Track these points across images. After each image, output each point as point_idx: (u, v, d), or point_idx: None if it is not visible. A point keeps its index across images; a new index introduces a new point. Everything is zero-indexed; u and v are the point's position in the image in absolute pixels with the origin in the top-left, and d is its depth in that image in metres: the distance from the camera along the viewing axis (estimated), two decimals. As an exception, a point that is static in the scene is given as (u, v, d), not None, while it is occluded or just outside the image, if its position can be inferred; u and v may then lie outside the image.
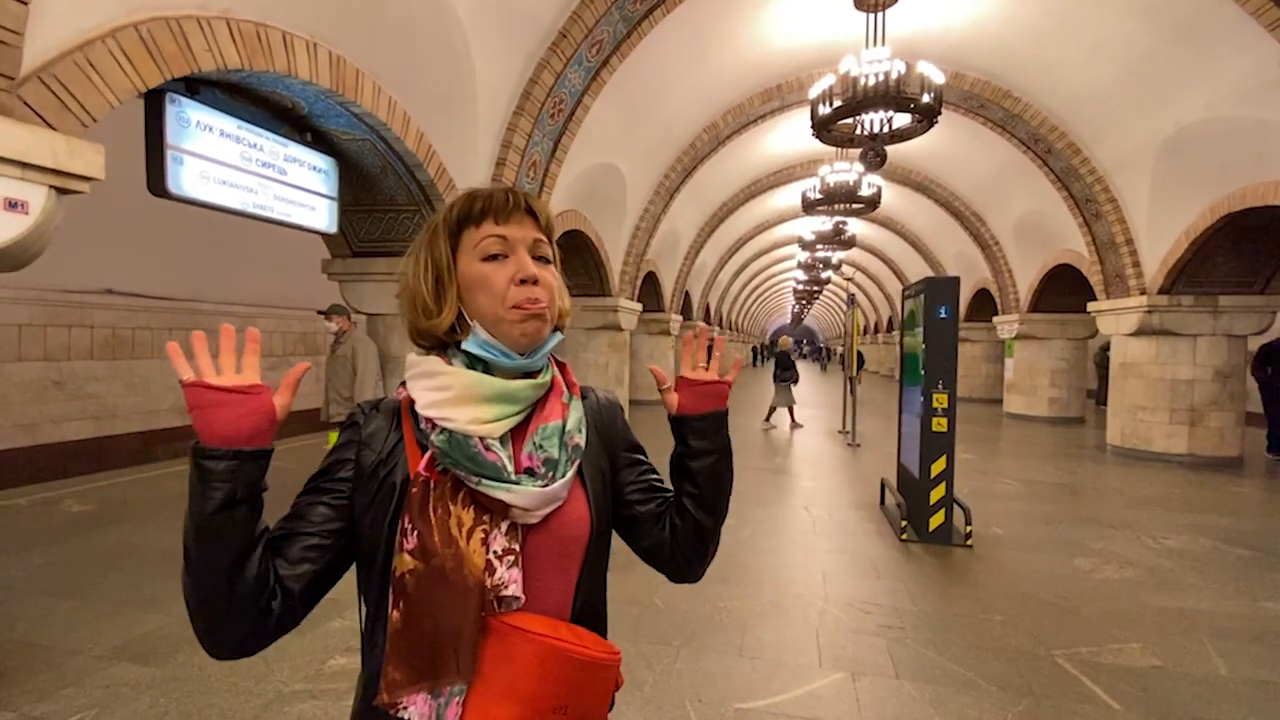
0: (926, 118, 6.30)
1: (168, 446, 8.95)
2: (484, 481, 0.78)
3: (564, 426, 0.87)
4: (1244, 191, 6.87)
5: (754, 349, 43.06)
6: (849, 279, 24.90)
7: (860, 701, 2.76)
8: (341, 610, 3.55)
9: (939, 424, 4.96)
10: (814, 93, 6.65)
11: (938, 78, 6.11)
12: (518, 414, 0.85)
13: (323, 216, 5.20)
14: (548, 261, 0.89)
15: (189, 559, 0.73)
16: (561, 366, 0.96)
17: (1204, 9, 5.79)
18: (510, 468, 0.80)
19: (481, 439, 0.80)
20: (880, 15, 6.80)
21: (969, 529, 4.91)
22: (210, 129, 4.08)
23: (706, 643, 3.25)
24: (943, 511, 4.94)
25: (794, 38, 8.21)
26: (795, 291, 32.15)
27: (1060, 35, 7.30)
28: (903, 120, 6.97)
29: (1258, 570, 4.44)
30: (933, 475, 4.95)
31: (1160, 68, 6.78)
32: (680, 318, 16.08)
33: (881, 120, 6.91)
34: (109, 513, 5.53)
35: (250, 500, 0.74)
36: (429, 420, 0.82)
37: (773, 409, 11.72)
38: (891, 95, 6.07)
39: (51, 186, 2.57)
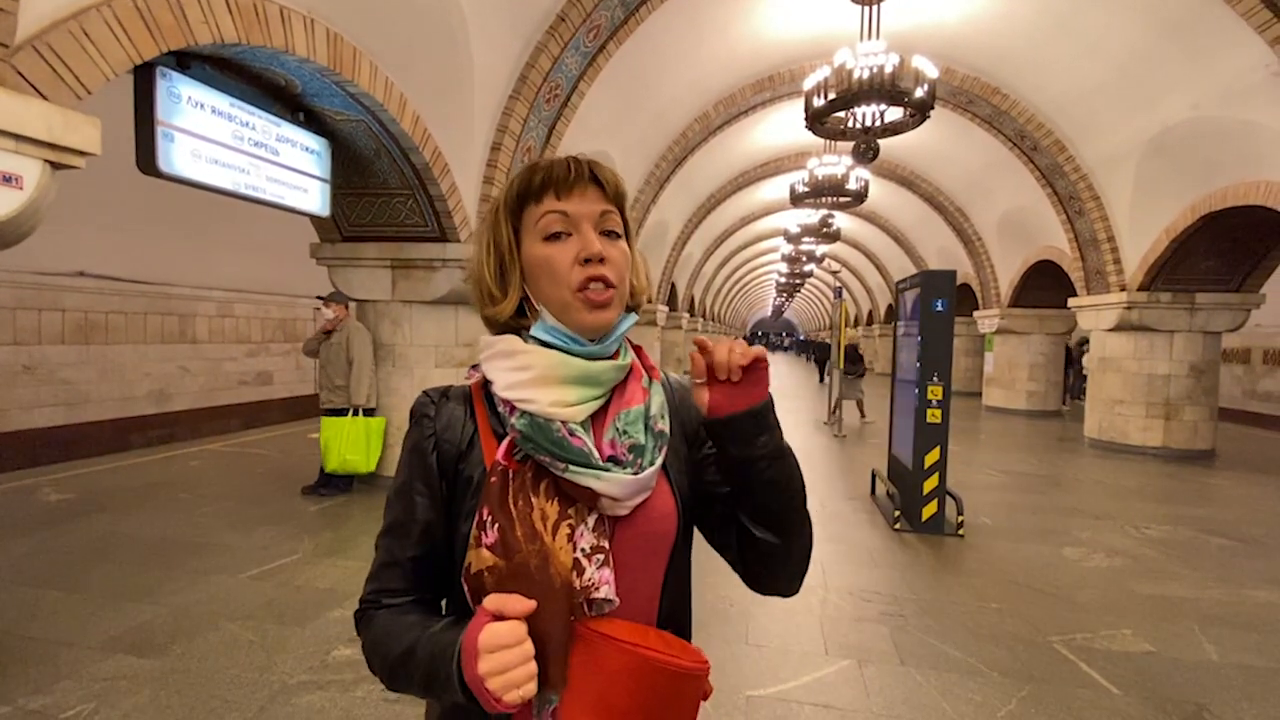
0: (919, 112, 6.35)
1: (142, 435, 8.72)
2: (571, 468, 0.73)
3: (647, 411, 0.82)
4: (1225, 191, 7.05)
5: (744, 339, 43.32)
6: (835, 273, 25.10)
7: (869, 688, 2.79)
8: (341, 600, 3.50)
9: (933, 415, 5.02)
10: (808, 84, 6.65)
11: (932, 72, 6.14)
12: (599, 398, 0.80)
13: (315, 199, 5.08)
14: (617, 236, 0.82)
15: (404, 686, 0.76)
16: (637, 349, 0.90)
17: (1194, 10, 5.89)
18: (596, 455, 0.75)
19: (564, 423, 0.75)
20: (875, 8, 6.81)
21: (961, 519, 5.00)
22: (202, 106, 3.95)
23: (713, 631, 3.26)
24: (935, 502, 5.01)
25: (788, 29, 8.20)
26: (777, 285, 32.37)
27: (1052, 34, 7.38)
28: (895, 114, 7.00)
29: (1238, 558, 4.58)
30: (926, 466, 5.02)
31: (1149, 68, 6.90)
32: (666, 308, 16.08)
33: (874, 114, 6.95)
34: (90, 501, 5.37)
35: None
36: (507, 403, 0.77)
37: (839, 402, 11.70)
38: (886, 89, 6.09)
39: (46, 161, 2.46)
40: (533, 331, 0.81)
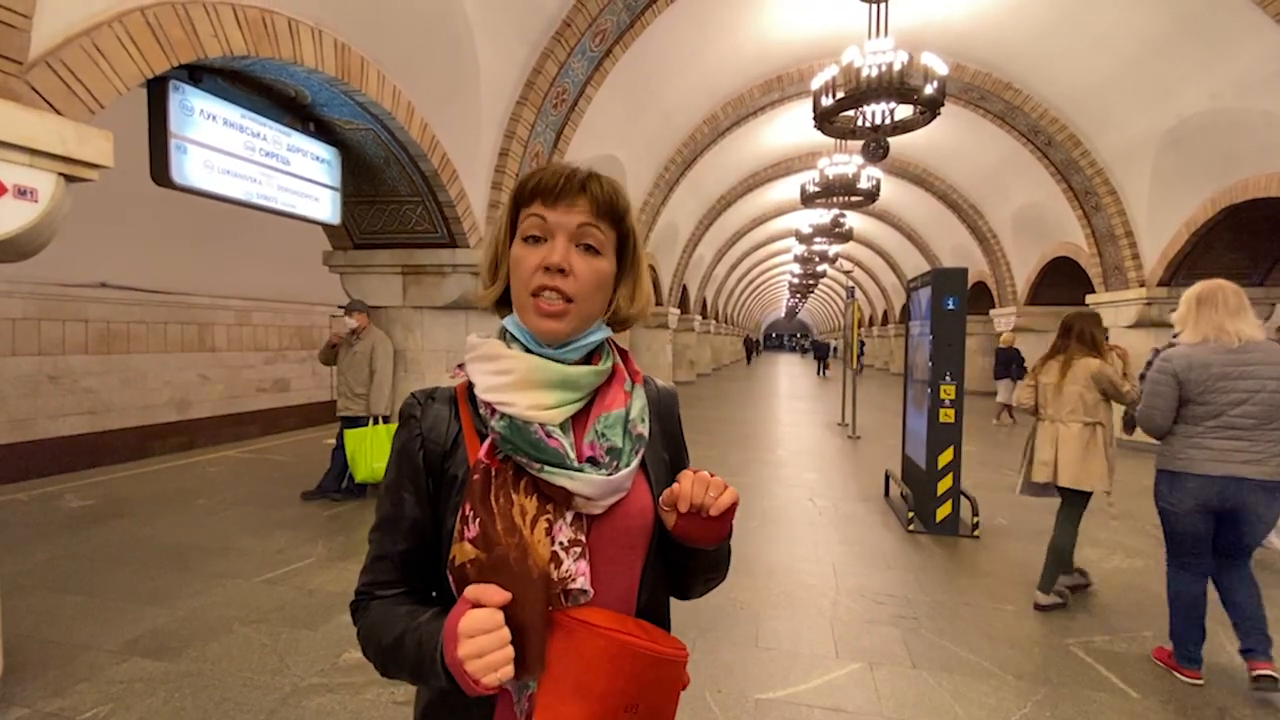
0: (929, 109, 6.30)
1: (163, 442, 8.87)
2: (546, 468, 0.76)
3: (627, 415, 0.84)
4: (1245, 183, 6.90)
5: (746, 340, 43.22)
6: (847, 272, 24.95)
7: (879, 691, 2.76)
8: (353, 604, 3.53)
9: (946, 415, 4.96)
10: (816, 84, 6.63)
11: (941, 69, 6.09)
12: (578, 401, 0.82)
13: (326, 207, 5.15)
14: (595, 252, 0.82)
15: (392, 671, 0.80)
16: (623, 354, 0.93)
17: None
18: (572, 455, 0.78)
19: (542, 425, 0.77)
20: (883, 6, 6.76)
21: (976, 520, 4.93)
22: (214, 118, 4.02)
23: (722, 634, 3.25)
24: (950, 503, 4.95)
25: (795, 29, 8.19)
26: (790, 286, 32.21)
27: (1063, 26, 7.29)
28: (904, 112, 6.95)
29: (1263, 559, 4.46)
30: (940, 466, 4.96)
31: (1163, 59, 6.79)
32: (678, 311, 16.08)
33: (883, 112, 6.91)
34: (110, 508, 5.47)
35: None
36: (488, 405, 0.80)
37: (1003, 407, 11.69)
38: (894, 86, 6.06)
39: (60, 174, 2.52)
40: (504, 321, 0.87)
